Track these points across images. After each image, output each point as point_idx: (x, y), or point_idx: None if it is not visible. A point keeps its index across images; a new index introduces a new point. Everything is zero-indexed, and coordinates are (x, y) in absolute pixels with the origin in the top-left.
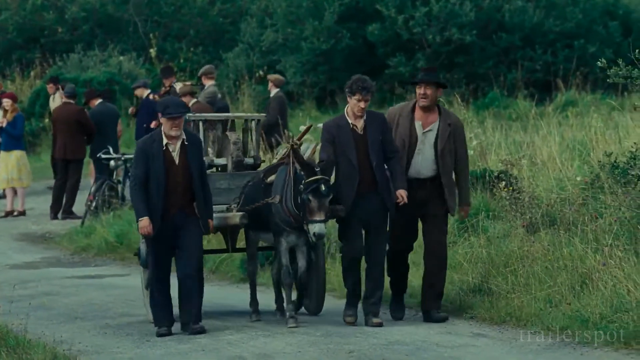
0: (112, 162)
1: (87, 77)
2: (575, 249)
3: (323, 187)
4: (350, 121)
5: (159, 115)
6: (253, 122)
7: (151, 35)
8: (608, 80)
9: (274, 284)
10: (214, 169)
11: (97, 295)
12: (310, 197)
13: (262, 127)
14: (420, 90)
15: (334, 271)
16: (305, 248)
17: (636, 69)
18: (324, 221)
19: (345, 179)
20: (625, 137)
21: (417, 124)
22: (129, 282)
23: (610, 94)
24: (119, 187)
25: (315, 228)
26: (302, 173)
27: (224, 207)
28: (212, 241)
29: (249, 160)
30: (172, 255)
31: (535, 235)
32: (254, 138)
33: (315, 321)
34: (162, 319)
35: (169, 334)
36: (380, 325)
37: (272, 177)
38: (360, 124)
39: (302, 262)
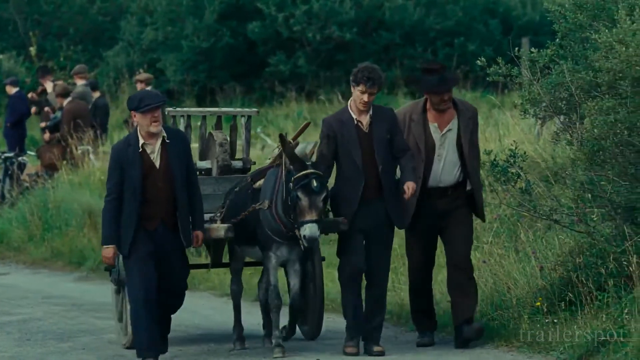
0: None
1: None
2: None
3: (315, 183)
4: (354, 116)
5: (132, 114)
6: (243, 119)
7: (31, 33)
8: (488, 78)
9: (261, 306)
10: (197, 173)
11: None
12: (300, 194)
13: None
14: (443, 97)
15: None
16: (299, 265)
17: (515, 67)
18: (317, 222)
19: (348, 183)
20: (505, 134)
21: (433, 127)
22: (8, 281)
23: (490, 91)
24: None
25: (305, 230)
26: (292, 168)
27: (208, 216)
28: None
29: (236, 164)
30: (156, 271)
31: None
32: (243, 137)
33: (200, 320)
34: (148, 348)
35: None
36: (382, 354)
37: (260, 182)
38: (365, 120)
39: (294, 282)
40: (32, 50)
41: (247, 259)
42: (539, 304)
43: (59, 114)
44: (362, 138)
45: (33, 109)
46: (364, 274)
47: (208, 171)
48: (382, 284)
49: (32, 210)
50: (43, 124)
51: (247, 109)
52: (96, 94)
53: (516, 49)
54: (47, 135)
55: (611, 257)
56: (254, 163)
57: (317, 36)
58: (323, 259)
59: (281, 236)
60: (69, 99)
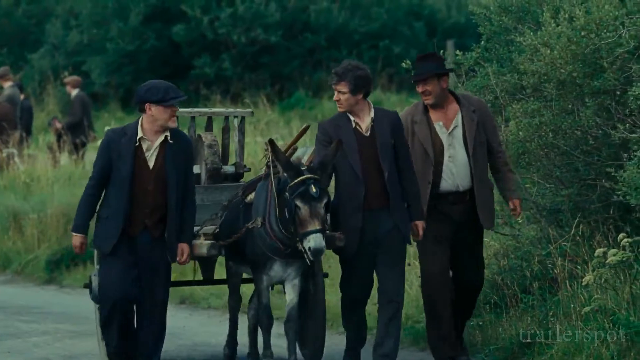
0: None
1: None
2: None
3: (313, 189)
4: (352, 119)
5: (148, 106)
6: (236, 120)
7: None
8: (413, 81)
9: (249, 328)
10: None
11: None
12: (298, 203)
13: (67, 128)
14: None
15: None
16: (298, 280)
17: None
18: (321, 231)
19: (347, 193)
20: None
21: (438, 126)
22: None
23: (416, 94)
24: None
25: (309, 242)
26: (285, 175)
27: (195, 229)
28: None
29: (228, 169)
30: (134, 281)
31: None
32: (236, 140)
33: None
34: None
35: None
36: None
37: (252, 196)
38: (365, 123)
39: (291, 296)
40: None
41: (245, 275)
42: None
43: None
44: (361, 143)
45: None
46: (377, 292)
47: (197, 177)
48: (395, 304)
49: None
50: None
51: (240, 109)
52: (21, 97)
53: (441, 51)
54: None
55: (536, 260)
56: (249, 169)
57: (242, 39)
58: (326, 275)
59: (279, 254)
60: None
